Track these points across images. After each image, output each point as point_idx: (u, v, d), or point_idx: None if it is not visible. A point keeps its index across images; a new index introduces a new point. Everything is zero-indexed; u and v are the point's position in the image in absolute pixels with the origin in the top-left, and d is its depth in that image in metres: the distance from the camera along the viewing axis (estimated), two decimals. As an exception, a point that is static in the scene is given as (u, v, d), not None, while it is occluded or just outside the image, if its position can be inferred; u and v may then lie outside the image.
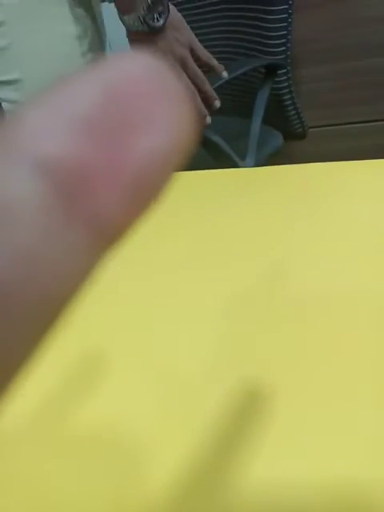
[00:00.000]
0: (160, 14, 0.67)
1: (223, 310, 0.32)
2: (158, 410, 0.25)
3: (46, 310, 0.07)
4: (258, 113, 0.97)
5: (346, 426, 0.23)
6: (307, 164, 0.47)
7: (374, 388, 0.24)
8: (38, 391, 0.27)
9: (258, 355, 0.28)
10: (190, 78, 0.71)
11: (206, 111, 0.74)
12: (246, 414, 0.24)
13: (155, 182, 0.07)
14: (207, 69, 0.75)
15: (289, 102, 1.06)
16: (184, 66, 0.71)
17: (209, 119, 0.74)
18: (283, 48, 0.99)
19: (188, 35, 0.72)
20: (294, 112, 1.09)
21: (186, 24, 0.72)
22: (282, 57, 1.00)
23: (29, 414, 0.26)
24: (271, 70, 0.98)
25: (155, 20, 0.67)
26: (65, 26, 0.74)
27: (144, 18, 0.65)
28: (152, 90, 0.07)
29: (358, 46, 1.22)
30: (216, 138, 0.87)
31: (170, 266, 0.37)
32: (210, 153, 0.90)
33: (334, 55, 1.26)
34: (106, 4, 0.93)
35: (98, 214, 0.07)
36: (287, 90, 1.04)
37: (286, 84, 1.03)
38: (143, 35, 0.68)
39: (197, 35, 0.74)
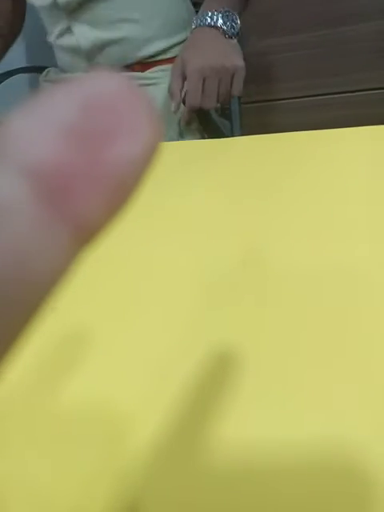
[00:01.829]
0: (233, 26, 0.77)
1: (202, 282, 0.32)
2: (142, 380, 0.26)
3: (29, 299, 0.07)
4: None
5: (323, 393, 0.24)
6: (284, 133, 0.47)
7: (351, 357, 0.25)
8: (22, 369, 0.28)
9: (237, 324, 0.28)
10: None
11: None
12: (224, 381, 0.25)
13: (129, 184, 0.08)
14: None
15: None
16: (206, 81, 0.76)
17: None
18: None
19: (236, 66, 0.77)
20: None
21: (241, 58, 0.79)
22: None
23: (15, 392, 0.27)
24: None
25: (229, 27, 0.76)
26: None
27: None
28: (124, 104, 0.08)
29: (328, 15, 1.23)
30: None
31: (147, 239, 0.37)
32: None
33: (302, 25, 1.26)
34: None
35: (78, 214, 0.08)
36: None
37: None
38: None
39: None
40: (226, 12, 0.77)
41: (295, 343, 0.27)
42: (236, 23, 0.79)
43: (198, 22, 0.79)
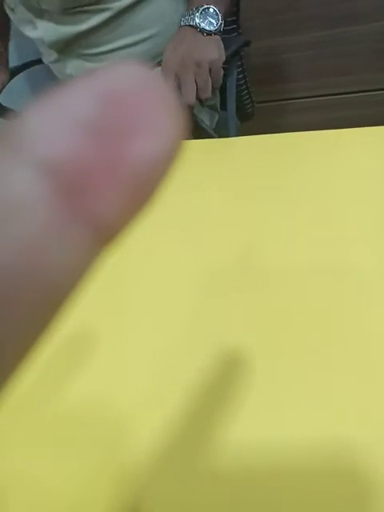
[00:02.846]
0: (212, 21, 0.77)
1: (202, 281, 0.32)
2: (143, 379, 0.26)
3: (47, 300, 0.07)
4: (230, 92, 0.97)
5: (322, 391, 0.24)
6: (285, 133, 0.47)
7: (348, 354, 0.25)
8: (25, 370, 0.28)
9: (238, 324, 0.28)
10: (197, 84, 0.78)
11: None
12: (225, 380, 0.25)
13: (150, 182, 0.08)
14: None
15: (241, 82, 1.05)
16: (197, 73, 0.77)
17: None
18: (234, 26, 0.99)
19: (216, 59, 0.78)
20: (245, 92, 1.09)
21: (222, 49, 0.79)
22: (234, 35, 0.99)
23: (17, 392, 0.26)
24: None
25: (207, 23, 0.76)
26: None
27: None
28: (146, 98, 0.08)
29: (332, 15, 1.22)
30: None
31: (147, 239, 0.37)
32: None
33: (306, 26, 1.25)
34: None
35: (97, 213, 0.07)
36: (240, 69, 1.03)
37: (239, 63, 1.02)
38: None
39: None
40: (205, 9, 0.78)
41: (297, 341, 0.27)
42: (215, 19, 0.79)
43: (180, 22, 0.81)
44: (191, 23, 0.78)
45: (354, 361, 0.25)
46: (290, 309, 0.29)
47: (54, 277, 0.07)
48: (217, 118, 0.98)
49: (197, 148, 0.50)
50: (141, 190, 0.08)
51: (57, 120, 0.07)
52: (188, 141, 0.51)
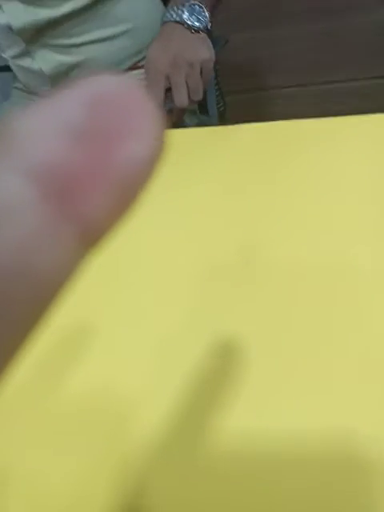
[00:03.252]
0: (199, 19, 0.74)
1: (199, 273, 0.32)
2: (141, 371, 0.27)
3: (37, 299, 0.07)
4: (210, 94, 0.96)
5: (320, 382, 0.24)
6: (282, 121, 0.46)
7: (347, 345, 0.26)
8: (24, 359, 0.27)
9: (235, 316, 0.28)
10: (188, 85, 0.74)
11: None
12: (224, 372, 0.25)
13: (135, 186, 0.08)
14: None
15: (214, 82, 1.05)
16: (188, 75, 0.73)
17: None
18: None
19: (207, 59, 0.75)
20: (218, 93, 1.09)
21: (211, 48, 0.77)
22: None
23: (17, 382, 0.26)
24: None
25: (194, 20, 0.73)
26: None
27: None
28: (130, 104, 0.08)
29: (329, 6, 1.22)
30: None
31: (148, 228, 0.36)
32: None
33: (303, 16, 1.25)
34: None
35: (85, 215, 0.08)
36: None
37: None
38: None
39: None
40: (191, 6, 0.75)
41: (295, 331, 0.27)
42: (203, 16, 0.76)
43: (165, 18, 0.77)
44: (178, 19, 0.75)
45: (352, 352, 0.25)
46: (288, 300, 0.29)
47: (44, 276, 0.07)
48: (196, 121, 0.96)
49: (193, 136, 0.49)
50: (126, 193, 0.08)
51: (45, 126, 0.08)
52: (186, 129, 0.50)
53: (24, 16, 0.76)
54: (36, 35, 0.79)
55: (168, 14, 0.76)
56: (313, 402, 0.23)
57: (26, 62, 0.83)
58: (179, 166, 0.43)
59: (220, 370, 0.26)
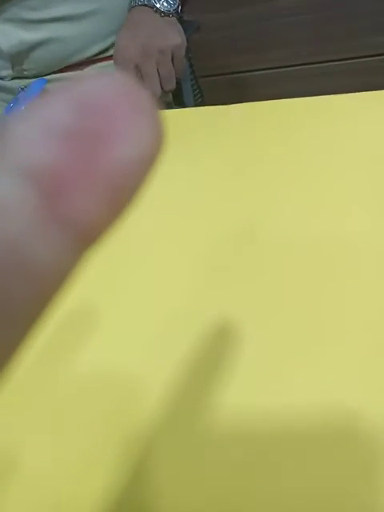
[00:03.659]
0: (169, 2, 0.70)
1: (202, 252, 0.32)
2: (146, 348, 0.27)
3: (33, 297, 0.07)
4: (186, 84, 0.92)
5: (322, 358, 0.25)
6: (283, 100, 0.44)
7: (348, 324, 0.26)
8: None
9: (238, 295, 0.29)
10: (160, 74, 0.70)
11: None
12: (227, 348, 0.26)
13: (128, 187, 0.08)
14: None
15: (189, 70, 0.96)
16: (159, 63, 0.70)
17: None
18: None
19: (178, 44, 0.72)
20: (194, 82, 1.00)
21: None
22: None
23: (19, 366, 0.25)
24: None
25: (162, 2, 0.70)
26: None
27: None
28: (123, 104, 0.08)
29: None
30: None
31: (150, 208, 0.35)
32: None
33: None
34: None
35: (77, 216, 0.08)
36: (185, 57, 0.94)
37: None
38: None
39: None
40: None
41: (296, 308, 0.27)
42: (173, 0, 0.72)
43: (133, 1, 0.72)
44: (146, 2, 0.70)
45: (351, 330, 0.25)
46: (290, 279, 0.29)
47: (38, 275, 0.07)
48: None
49: (193, 116, 0.50)
50: (118, 195, 0.08)
51: (37, 128, 0.08)
52: (185, 109, 0.51)
53: None
54: None
55: None
56: (313, 380, 0.24)
57: None
58: (175, 147, 0.42)
59: (221, 347, 0.26)
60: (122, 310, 0.30)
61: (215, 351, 0.26)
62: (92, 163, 0.08)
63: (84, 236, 0.08)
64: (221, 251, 0.32)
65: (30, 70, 0.78)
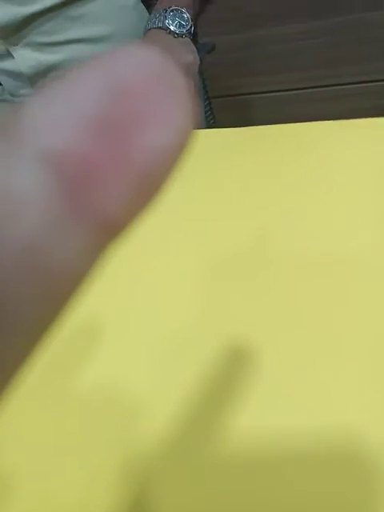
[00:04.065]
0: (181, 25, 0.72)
1: (206, 270, 0.32)
2: (151, 367, 0.27)
3: (51, 296, 0.07)
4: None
5: (328, 380, 0.24)
6: (290, 124, 0.44)
7: (355, 343, 0.25)
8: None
9: (243, 313, 0.29)
10: None
11: None
12: (234, 369, 0.25)
13: (158, 177, 0.07)
14: None
15: (203, 91, 0.98)
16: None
17: None
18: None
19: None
20: (207, 102, 1.02)
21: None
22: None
23: (24, 380, 0.21)
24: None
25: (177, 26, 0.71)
26: None
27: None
28: (157, 86, 0.07)
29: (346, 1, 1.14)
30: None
31: (157, 225, 0.34)
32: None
33: (319, 11, 1.17)
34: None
35: (102, 209, 0.07)
36: (199, 78, 0.96)
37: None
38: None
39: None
40: (173, 11, 0.73)
41: (303, 328, 0.27)
42: (186, 21, 0.74)
43: (147, 25, 0.75)
44: (160, 25, 0.72)
45: (361, 349, 0.25)
46: (296, 298, 0.29)
47: (59, 271, 0.07)
48: None
49: (204, 137, 0.50)
50: (147, 185, 0.07)
51: (61, 109, 0.07)
52: (200, 130, 0.52)
53: (1, 13, 0.73)
54: (15, 33, 0.75)
55: (150, 21, 0.74)
56: (321, 400, 0.23)
57: (5, 64, 0.80)
58: (186, 166, 0.41)
59: (227, 366, 0.26)
60: (127, 327, 0.29)
61: (222, 371, 0.25)
62: (122, 150, 0.07)
63: (106, 232, 0.07)
64: (227, 268, 0.32)
65: None
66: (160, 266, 0.33)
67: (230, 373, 0.25)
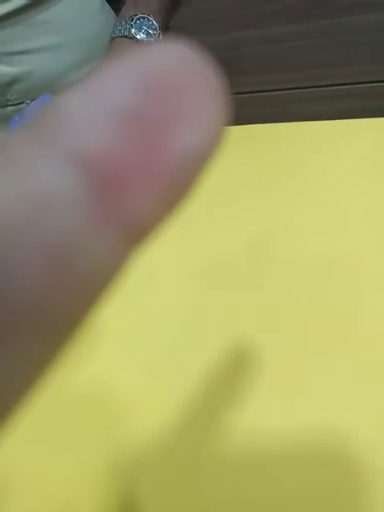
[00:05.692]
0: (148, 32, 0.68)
1: (206, 271, 0.32)
2: (149, 367, 0.27)
3: (76, 301, 0.07)
4: None
5: (327, 382, 0.24)
6: (288, 123, 0.44)
7: (356, 345, 0.25)
8: None
9: (242, 315, 0.28)
10: None
11: None
12: (232, 369, 0.25)
13: (188, 180, 0.07)
14: None
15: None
16: None
17: None
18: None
19: None
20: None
21: None
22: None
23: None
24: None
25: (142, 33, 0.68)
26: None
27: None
28: (190, 83, 0.07)
29: (337, 3, 1.14)
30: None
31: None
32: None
33: (309, 13, 1.17)
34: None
35: (131, 212, 0.07)
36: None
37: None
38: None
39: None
40: (139, 18, 0.69)
41: (302, 330, 0.26)
42: (153, 29, 0.70)
43: (112, 33, 0.71)
44: (126, 34, 0.69)
45: (361, 350, 0.25)
46: (296, 300, 0.29)
47: (85, 274, 0.07)
48: None
49: None
50: (178, 187, 0.07)
51: (93, 107, 0.07)
52: None
53: None
54: None
55: (116, 30, 0.70)
56: (321, 401, 0.23)
57: None
58: None
59: (225, 368, 0.26)
60: (124, 326, 0.29)
61: (219, 371, 0.25)
62: (155, 151, 0.07)
63: (135, 235, 0.07)
64: (226, 270, 0.32)
65: (13, 100, 0.78)
66: (159, 266, 0.33)
67: (228, 373, 0.25)
